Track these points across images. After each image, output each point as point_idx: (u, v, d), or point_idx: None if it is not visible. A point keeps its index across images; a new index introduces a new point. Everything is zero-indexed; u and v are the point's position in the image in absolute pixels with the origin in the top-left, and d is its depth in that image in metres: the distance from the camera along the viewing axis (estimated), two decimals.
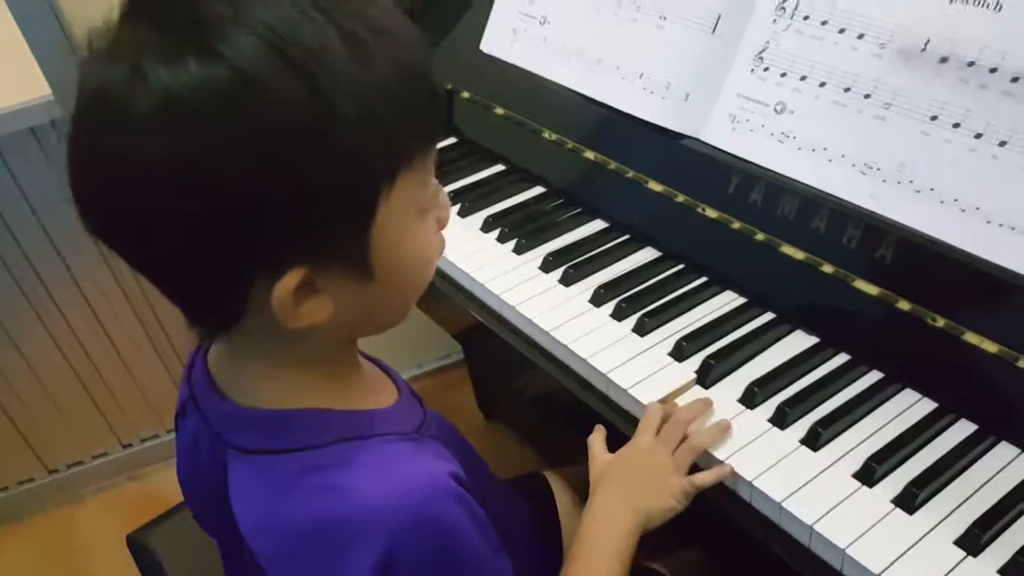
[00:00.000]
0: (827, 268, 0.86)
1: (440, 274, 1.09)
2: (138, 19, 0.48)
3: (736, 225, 0.94)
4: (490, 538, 0.62)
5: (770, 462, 0.76)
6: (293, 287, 0.52)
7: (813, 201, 0.87)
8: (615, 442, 0.84)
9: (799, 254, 0.88)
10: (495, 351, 1.02)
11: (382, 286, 0.57)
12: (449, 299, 1.07)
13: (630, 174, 1.06)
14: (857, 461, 0.75)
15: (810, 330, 0.90)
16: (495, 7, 1.24)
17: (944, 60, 0.78)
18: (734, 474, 0.76)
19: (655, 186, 1.03)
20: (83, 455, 1.90)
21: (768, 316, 0.92)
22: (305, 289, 0.53)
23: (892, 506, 0.71)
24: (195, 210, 0.48)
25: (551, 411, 0.99)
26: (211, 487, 0.64)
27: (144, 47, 0.47)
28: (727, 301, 0.96)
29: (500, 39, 1.22)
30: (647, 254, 1.05)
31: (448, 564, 0.57)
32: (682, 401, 0.84)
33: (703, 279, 0.98)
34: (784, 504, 0.72)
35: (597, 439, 0.85)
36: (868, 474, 0.73)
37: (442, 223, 0.62)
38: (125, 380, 1.83)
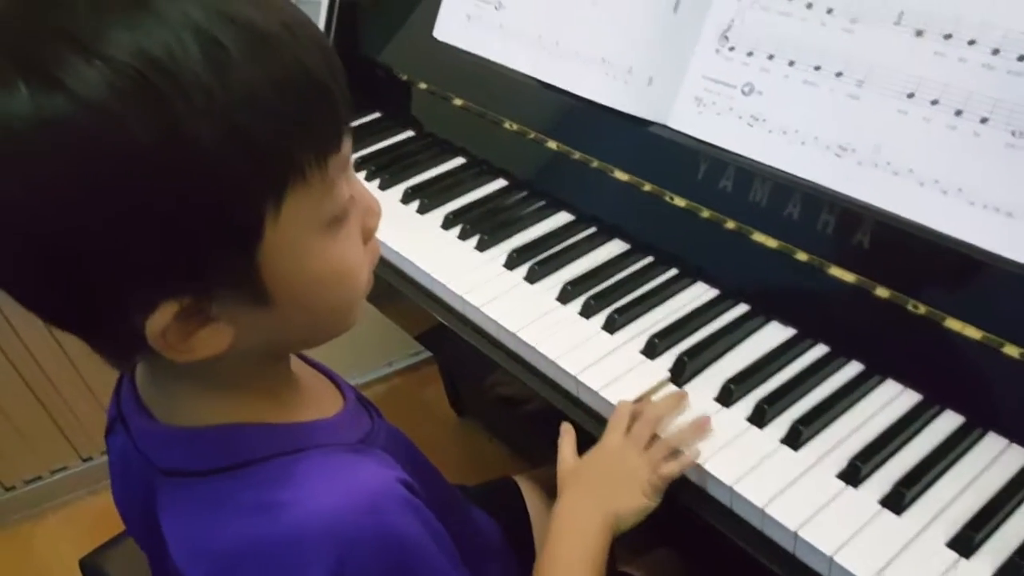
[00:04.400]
0: (801, 256, 0.82)
1: (399, 275, 1.04)
2: None
3: (706, 214, 0.90)
4: (447, 549, 0.58)
5: (751, 464, 0.72)
6: (165, 323, 0.47)
7: (786, 186, 0.82)
8: (587, 445, 0.80)
9: (772, 242, 0.84)
10: (463, 349, 0.97)
11: (290, 308, 0.51)
12: (409, 301, 1.02)
13: (595, 164, 1.02)
14: (842, 460, 0.71)
15: (786, 321, 0.86)
16: None
17: (920, 34, 0.74)
18: (713, 478, 0.72)
19: (621, 175, 0.99)
20: (42, 470, 1.83)
21: (742, 308, 0.88)
22: (198, 317, 0.48)
23: (880, 507, 0.67)
24: (41, 245, 0.44)
25: (522, 409, 0.95)
26: (141, 509, 0.60)
27: None
28: (699, 294, 0.91)
29: (454, 26, 1.16)
30: (615, 247, 1.00)
31: None
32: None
33: (673, 271, 0.94)
34: (767, 509, 0.68)
35: (567, 443, 0.81)
36: (853, 473, 0.70)
37: (368, 232, 0.56)
38: (82, 392, 1.76)
